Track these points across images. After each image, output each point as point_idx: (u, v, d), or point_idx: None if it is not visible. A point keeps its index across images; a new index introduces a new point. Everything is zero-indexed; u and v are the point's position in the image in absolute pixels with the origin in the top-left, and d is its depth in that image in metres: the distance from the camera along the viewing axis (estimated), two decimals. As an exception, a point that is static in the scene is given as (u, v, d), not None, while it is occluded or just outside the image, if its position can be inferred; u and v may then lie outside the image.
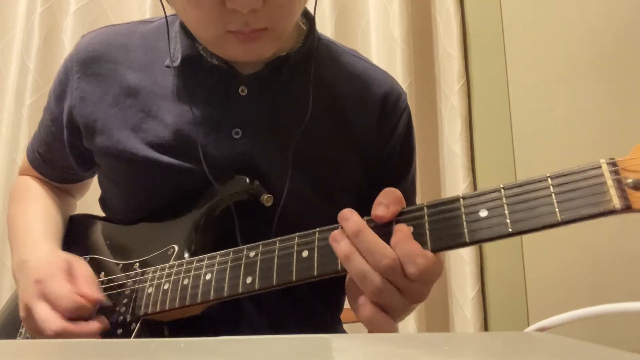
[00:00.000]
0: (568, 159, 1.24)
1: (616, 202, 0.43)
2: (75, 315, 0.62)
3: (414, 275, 0.48)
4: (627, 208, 0.43)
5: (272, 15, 0.61)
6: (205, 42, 0.67)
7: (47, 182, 0.86)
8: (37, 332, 0.64)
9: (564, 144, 1.26)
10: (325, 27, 1.48)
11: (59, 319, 0.61)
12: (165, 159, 0.69)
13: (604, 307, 0.51)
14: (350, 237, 0.51)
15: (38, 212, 0.79)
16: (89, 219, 0.82)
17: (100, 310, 0.64)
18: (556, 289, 1.24)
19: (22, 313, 0.65)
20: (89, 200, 0.93)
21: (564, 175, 0.46)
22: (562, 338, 0.34)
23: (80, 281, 0.65)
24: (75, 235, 0.80)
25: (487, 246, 1.37)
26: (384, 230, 0.51)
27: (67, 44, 1.53)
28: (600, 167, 0.45)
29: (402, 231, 0.50)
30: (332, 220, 0.56)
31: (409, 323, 1.35)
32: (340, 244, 0.51)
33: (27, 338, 0.71)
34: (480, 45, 1.44)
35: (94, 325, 0.62)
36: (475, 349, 0.35)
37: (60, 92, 0.77)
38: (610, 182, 0.44)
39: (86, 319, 0.63)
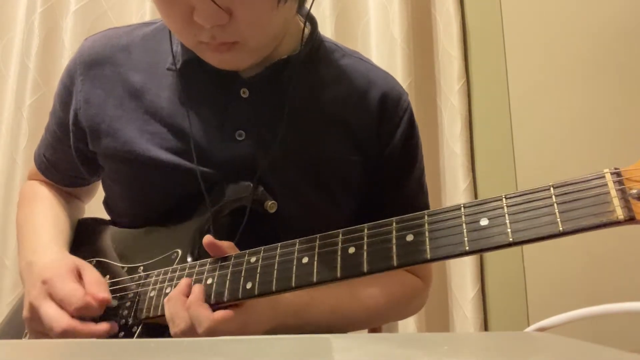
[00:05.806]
0: (568, 159, 1.24)
1: (619, 213, 0.42)
2: (83, 314, 0.62)
3: (203, 334, 0.57)
4: (631, 219, 0.42)
5: (240, 31, 0.61)
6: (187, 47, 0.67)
7: (55, 186, 0.86)
8: (39, 333, 0.64)
9: (564, 143, 1.26)
10: (325, 27, 1.48)
11: (66, 317, 0.61)
12: (171, 159, 0.69)
13: (604, 307, 0.51)
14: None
15: (46, 216, 0.79)
16: (97, 222, 0.82)
17: (104, 312, 0.64)
18: (556, 289, 1.24)
19: (25, 313, 0.65)
20: (93, 203, 0.93)
21: (567, 185, 0.45)
22: (562, 338, 0.34)
23: (88, 282, 0.65)
24: (83, 238, 0.80)
25: (487, 246, 1.37)
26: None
27: (67, 44, 1.52)
28: (604, 176, 0.44)
29: (194, 293, 0.59)
30: (334, 222, 0.56)
31: (409, 323, 1.35)
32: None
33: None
34: (480, 45, 1.44)
35: (102, 326, 0.62)
36: (475, 349, 0.35)
37: (65, 96, 0.77)
38: (614, 193, 0.43)
39: (94, 320, 0.63)
